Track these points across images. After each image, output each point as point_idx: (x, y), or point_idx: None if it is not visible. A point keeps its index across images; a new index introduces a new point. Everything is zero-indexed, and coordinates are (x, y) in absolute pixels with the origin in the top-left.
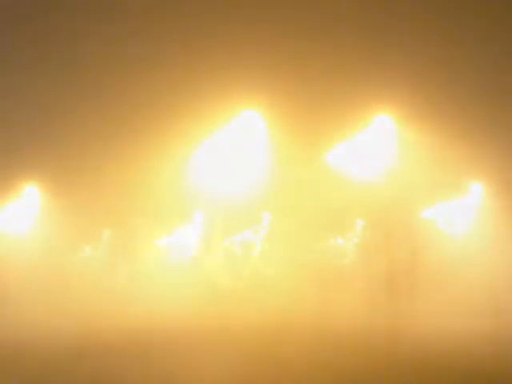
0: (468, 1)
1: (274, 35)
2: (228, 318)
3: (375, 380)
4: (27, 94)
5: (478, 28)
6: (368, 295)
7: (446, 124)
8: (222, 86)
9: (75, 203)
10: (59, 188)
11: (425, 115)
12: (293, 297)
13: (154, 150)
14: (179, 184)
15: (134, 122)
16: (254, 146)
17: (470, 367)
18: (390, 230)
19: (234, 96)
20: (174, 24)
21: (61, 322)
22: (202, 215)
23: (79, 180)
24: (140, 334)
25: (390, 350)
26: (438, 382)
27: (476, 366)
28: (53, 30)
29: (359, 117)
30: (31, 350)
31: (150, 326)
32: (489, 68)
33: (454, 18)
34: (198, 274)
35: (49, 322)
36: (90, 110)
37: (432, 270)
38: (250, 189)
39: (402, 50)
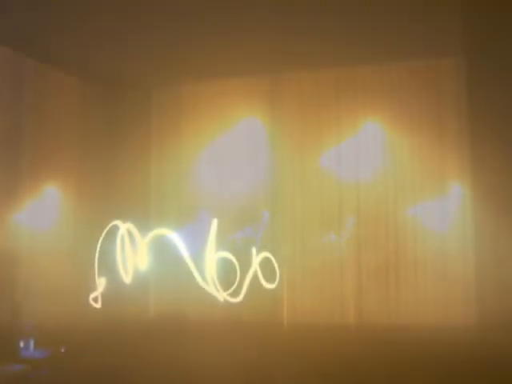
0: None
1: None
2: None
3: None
4: None
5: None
6: (358, 287)
7: (430, 127)
8: (225, 92)
9: (91, 203)
10: (77, 188)
11: (411, 119)
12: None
13: (163, 152)
14: (184, 184)
15: (144, 126)
16: (254, 150)
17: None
18: (379, 227)
19: (235, 102)
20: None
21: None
22: (205, 214)
23: (96, 180)
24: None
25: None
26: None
27: (458, 352)
28: None
29: (350, 123)
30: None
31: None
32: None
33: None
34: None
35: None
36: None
37: (416, 264)
38: (250, 189)
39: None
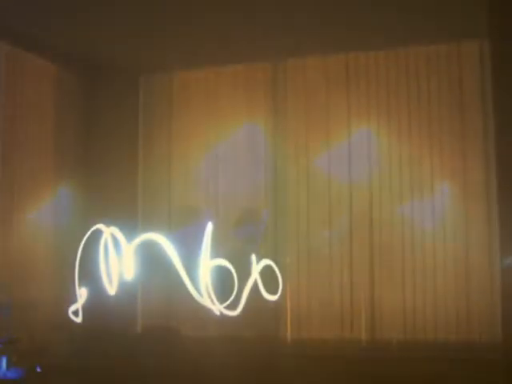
0: None
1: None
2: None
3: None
4: None
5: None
6: (370, 298)
7: (451, 118)
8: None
9: (69, 203)
10: (54, 186)
11: (429, 111)
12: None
13: (151, 147)
14: (175, 183)
15: (131, 118)
16: (254, 146)
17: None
18: (393, 232)
19: (233, 92)
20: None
21: None
22: (199, 217)
23: (75, 177)
24: None
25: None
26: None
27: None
28: None
29: (361, 115)
30: None
31: None
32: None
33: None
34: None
35: None
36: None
37: (435, 273)
38: (249, 189)
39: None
